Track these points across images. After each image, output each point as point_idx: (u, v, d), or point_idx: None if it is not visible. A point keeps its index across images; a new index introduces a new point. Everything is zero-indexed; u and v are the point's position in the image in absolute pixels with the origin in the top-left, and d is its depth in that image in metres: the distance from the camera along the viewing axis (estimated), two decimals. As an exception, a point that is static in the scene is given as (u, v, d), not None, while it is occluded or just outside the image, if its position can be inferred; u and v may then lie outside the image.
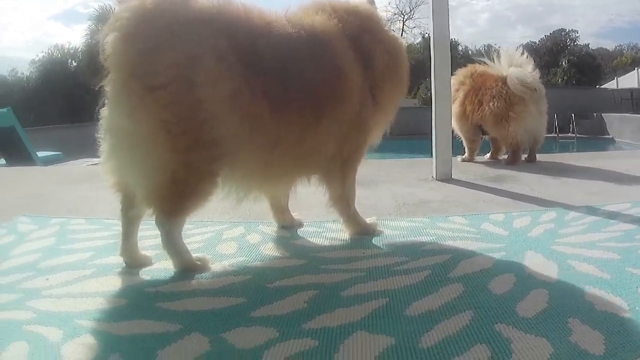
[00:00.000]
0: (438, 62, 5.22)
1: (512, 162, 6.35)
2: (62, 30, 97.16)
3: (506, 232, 3.15)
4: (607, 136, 24.39)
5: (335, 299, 2.23)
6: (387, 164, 6.71)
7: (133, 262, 2.74)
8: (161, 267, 2.71)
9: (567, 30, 56.81)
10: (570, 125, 25.27)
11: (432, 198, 4.36)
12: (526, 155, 6.57)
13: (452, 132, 5.78)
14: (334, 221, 3.39)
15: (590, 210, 3.62)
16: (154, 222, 2.59)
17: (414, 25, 57.50)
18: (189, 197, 2.56)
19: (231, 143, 2.51)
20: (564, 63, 46.82)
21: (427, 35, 43.92)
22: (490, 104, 6.31)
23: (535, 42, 54.58)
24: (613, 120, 24.75)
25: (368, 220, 3.30)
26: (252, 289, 2.40)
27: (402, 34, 52.38)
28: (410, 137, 17.69)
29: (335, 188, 3.15)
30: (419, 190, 4.73)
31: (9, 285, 2.53)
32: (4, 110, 14.02)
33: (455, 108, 6.49)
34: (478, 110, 6.49)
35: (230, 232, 3.34)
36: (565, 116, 24.17)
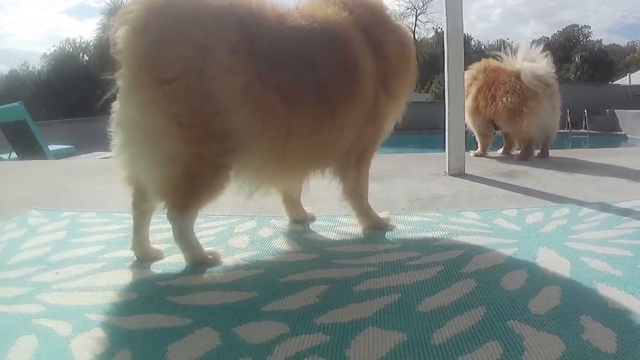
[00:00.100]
0: (451, 57, 5.21)
1: (525, 157, 6.32)
2: (74, 24, 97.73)
3: (519, 228, 3.13)
4: (619, 132, 24.32)
5: (347, 294, 2.22)
6: (400, 158, 6.70)
7: (144, 255, 2.74)
8: (172, 261, 2.70)
9: (580, 26, 56.89)
10: (583, 121, 25.21)
11: (445, 193, 4.35)
12: (539, 151, 6.54)
13: (465, 127, 5.77)
14: (346, 215, 3.39)
15: (603, 207, 3.59)
16: (165, 215, 2.58)
17: (426, 20, 57.67)
18: (201, 191, 2.55)
19: (243, 136, 2.50)
20: (576, 59, 46.78)
21: (440, 30, 44.01)
22: (504, 99, 6.28)
23: (547, 38, 54.66)
24: (625, 117, 24.67)
25: (381, 214, 3.29)
26: (263, 283, 2.39)
27: (414, 29, 52.43)
28: (424, 132, 17.69)
29: (350, 181, 3.14)
30: (432, 185, 4.72)
31: (19, 279, 2.53)
32: (16, 104, 14.03)
33: (468, 103, 6.47)
34: (491, 105, 6.46)
35: (242, 225, 3.34)
36: (577, 112, 24.09)
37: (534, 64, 6.24)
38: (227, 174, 2.58)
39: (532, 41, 7.28)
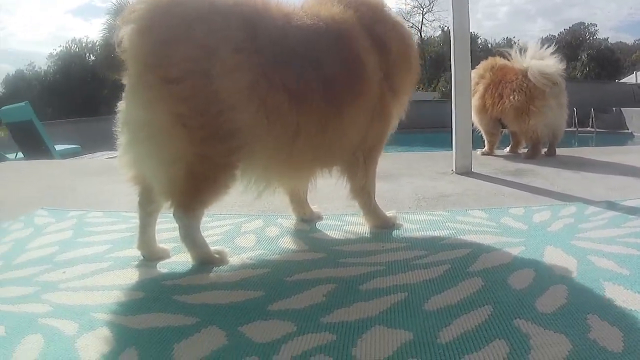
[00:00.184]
0: (458, 55, 5.21)
1: (532, 156, 6.32)
2: (80, 24, 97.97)
3: (526, 227, 3.12)
4: (626, 131, 24.26)
5: (353, 293, 2.22)
6: (407, 157, 6.71)
7: (151, 255, 2.74)
8: (179, 260, 2.71)
9: (587, 24, 56.92)
10: (590, 119, 25.17)
11: (452, 191, 4.34)
12: (546, 149, 6.54)
13: (472, 125, 5.77)
14: (353, 214, 3.39)
15: (610, 205, 3.58)
16: (172, 215, 2.58)
17: (433, 19, 57.76)
18: (207, 190, 2.55)
19: (249, 135, 2.50)
20: (583, 57, 46.71)
21: (446, 28, 43.96)
22: (511, 97, 6.27)
23: (554, 36, 54.66)
24: (632, 115, 24.62)
25: (388, 213, 3.29)
26: (270, 282, 2.39)
27: (421, 27, 52.40)
28: (431, 131, 17.71)
29: (358, 179, 3.14)
30: (439, 183, 4.72)
31: (25, 278, 2.53)
32: (22, 104, 14.08)
33: (475, 101, 6.47)
34: (498, 103, 6.45)
35: (249, 225, 3.34)
36: (584, 110, 24.05)
37: (542, 61, 6.23)
38: (233, 173, 2.57)
39: (540, 39, 7.29)
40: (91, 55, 46.92)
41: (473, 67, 6.31)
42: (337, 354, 1.72)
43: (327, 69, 2.74)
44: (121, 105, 2.50)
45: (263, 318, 2.00)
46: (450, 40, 5.29)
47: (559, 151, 6.61)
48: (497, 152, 6.88)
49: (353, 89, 2.85)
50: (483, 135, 6.88)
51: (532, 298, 2.09)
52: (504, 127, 6.76)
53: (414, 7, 53.77)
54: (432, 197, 4.14)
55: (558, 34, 57.54)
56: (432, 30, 57.98)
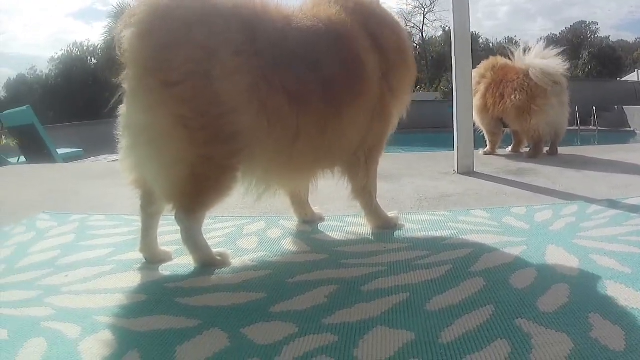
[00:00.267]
0: (459, 55, 5.22)
1: (534, 155, 6.31)
2: (82, 28, 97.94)
3: (528, 226, 3.12)
4: (628, 129, 24.22)
5: (355, 294, 2.22)
6: (408, 157, 6.72)
7: (153, 257, 2.74)
8: (181, 262, 2.71)
9: (588, 22, 56.89)
10: (592, 118, 25.13)
11: (454, 191, 4.35)
12: (548, 148, 6.53)
13: (474, 125, 5.77)
14: (354, 215, 3.40)
15: (612, 203, 3.59)
16: (173, 217, 2.58)
17: (434, 19, 57.51)
18: (209, 192, 2.55)
19: (250, 137, 2.50)
20: (584, 55, 46.69)
21: (447, 28, 43.84)
22: (512, 96, 6.27)
23: (555, 35, 54.61)
24: (634, 113, 24.57)
25: (389, 214, 3.29)
26: (272, 284, 2.39)
27: (423, 27, 52.40)
28: (432, 131, 17.70)
29: (359, 180, 3.14)
30: (441, 183, 4.72)
31: (28, 282, 2.54)
32: (24, 108, 14.07)
33: (476, 101, 6.47)
34: (499, 103, 6.45)
35: (251, 226, 3.34)
36: (586, 109, 24.00)
37: (544, 60, 6.22)
38: (234, 175, 2.57)
39: (544, 39, 7.28)
40: (93, 59, 46.96)
41: (474, 67, 6.31)
42: (339, 355, 1.72)
43: (326, 70, 2.75)
44: (122, 109, 2.50)
45: (265, 320, 2.00)
46: (451, 40, 5.31)
47: (561, 150, 6.61)
48: (499, 151, 6.88)
49: (353, 89, 2.86)
50: (485, 135, 6.88)
51: (533, 297, 2.09)
52: (505, 126, 6.76)
53: (415, 7, 53.81)
54: (434, 197, 4.14)
55: (559, 33, 57.59)
56: (433, 31, 58.12)
